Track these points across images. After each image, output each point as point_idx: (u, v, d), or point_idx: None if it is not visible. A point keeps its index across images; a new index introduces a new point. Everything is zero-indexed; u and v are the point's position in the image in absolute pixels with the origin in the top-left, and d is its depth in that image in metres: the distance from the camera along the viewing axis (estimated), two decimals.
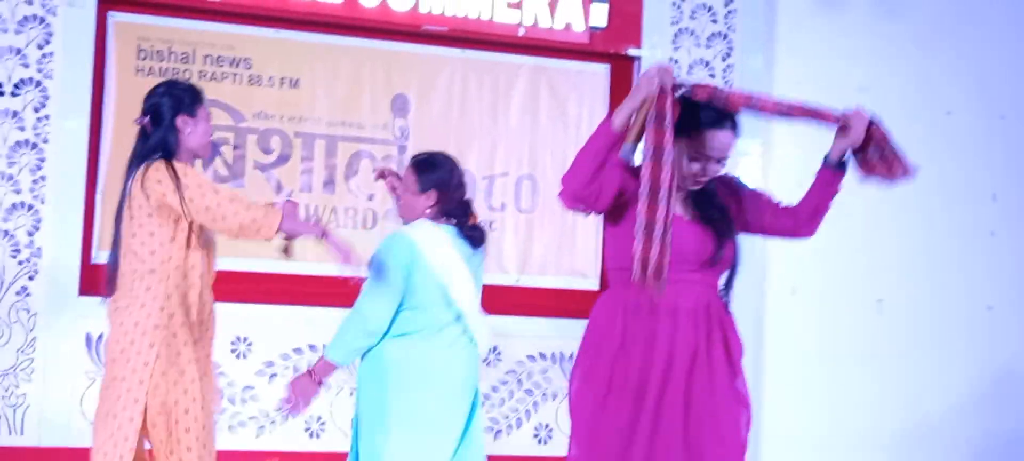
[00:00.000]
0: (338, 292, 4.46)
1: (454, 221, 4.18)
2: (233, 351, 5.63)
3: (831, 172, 3.43)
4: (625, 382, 3.35)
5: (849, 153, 3.42)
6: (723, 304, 3.46)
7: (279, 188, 5.81)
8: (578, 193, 3.29)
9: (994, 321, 6.62)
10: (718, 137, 3.35)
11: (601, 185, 3.27)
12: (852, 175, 3.48)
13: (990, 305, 6.60)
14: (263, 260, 5.65)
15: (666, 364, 3.33)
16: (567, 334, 6.03)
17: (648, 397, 3.33)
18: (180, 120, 3.99)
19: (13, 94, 5.43)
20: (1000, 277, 6.64)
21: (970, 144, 6.64)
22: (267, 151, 5.82)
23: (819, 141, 5.99)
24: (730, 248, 3.43)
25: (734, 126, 3.39)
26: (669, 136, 3.21)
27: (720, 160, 3.38)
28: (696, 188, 3.42)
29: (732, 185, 3.55)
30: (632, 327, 3.36)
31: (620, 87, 6.25)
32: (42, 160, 5.46)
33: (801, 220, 3.51)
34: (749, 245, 3.66)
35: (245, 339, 5.66)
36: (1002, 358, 6.64)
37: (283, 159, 5.84)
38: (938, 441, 6.47)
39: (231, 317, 5.52)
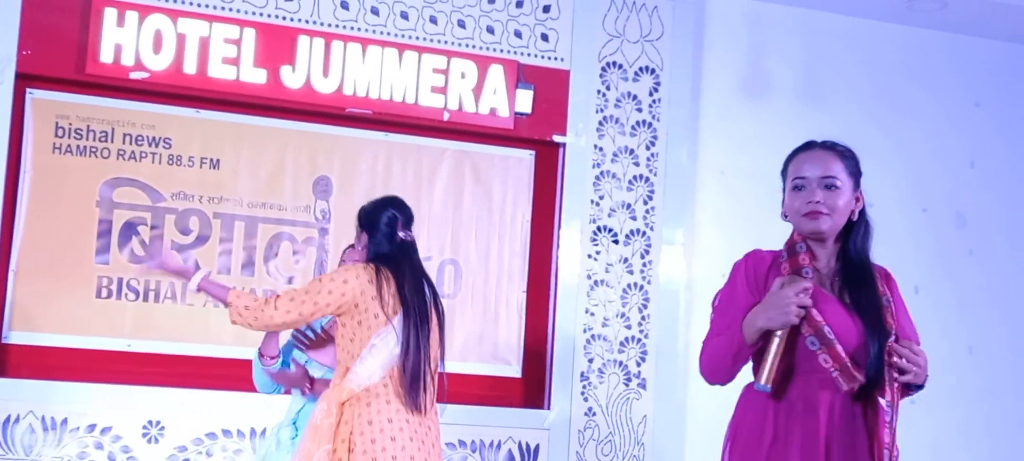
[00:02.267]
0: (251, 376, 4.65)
1: None
2: (144, 435, 5.68)
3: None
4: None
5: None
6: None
7: (196, 269, 5.88)
8: (724, 384, 3.38)
9: (917, 414, 6.79)
10: (802, 158, 3.37)
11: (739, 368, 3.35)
12: None
13: (912, 399, 6.78)
14: (177, 342, 5.73)
15: None
16: (489, 422, 6.17)
17: None
18: None
19: None
20: None
21: (892, 235, 6.85)
22: (185, 232, 5.93)
23: (743, 229, 6.22)
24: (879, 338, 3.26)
25: (826, 145, 3.39)
26: (820, 316, 3.21)
27: (820, 183, 3.31)
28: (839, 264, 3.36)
29: (888, 283, 3.45)
30: (787, 423, 3.28)
31: (545, 173, 6.44)
32: None
33: None
34: None
35: (157, 423, 5.71)
36: (923, 452, 6.83)
37: (202, 240, 5.95)
38: None
39: (143, 400, 5.62)
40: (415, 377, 4.31)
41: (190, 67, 5.88)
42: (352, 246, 4.73)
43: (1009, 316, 7.16)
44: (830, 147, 3.40)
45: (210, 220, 5.99)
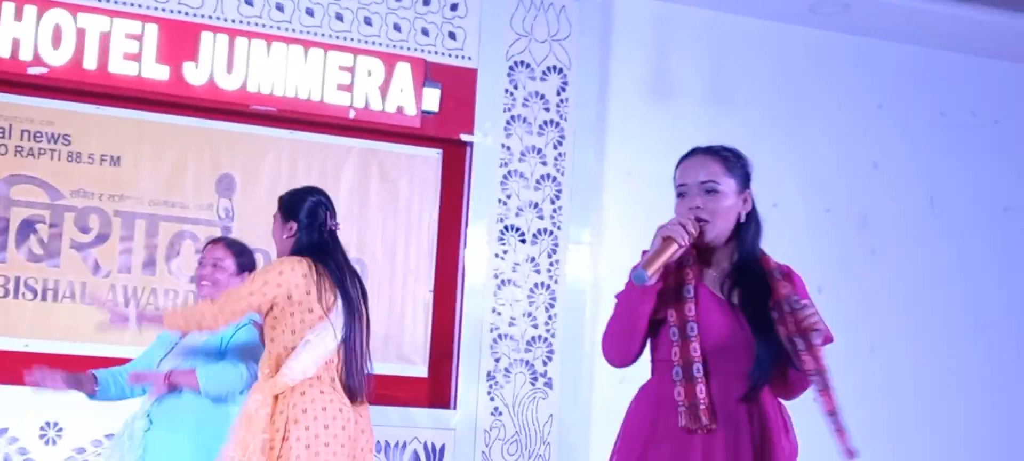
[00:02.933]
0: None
1: None
2: (42, 437, 5.62)
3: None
4: None
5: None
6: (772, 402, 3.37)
7: (96, 268, 5.86)
8: (624, 365, 3.39)
9: (817, 412, 6.92)
10: (685, 165, 3.40)
11: (643, 344, 3.38)
12: None
13: (815, 397, 6.90)
14: (74, 343, 5.67)
15: None
16: (394, 422, 6.18)
17: None
18: None
19: None
20: None
21: (796, 236, 7.00)
22: (85, 230, 5.88)
23: (649, 230, 6.28)
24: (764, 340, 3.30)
25: (708, 150, 3.41)
26: (693, 310, 3.29)
27: (699, 188, 3.34)
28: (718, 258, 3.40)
29: (791, 280, 3.42)
30: (667, 421, 3.31)
31: (452, 172, 6.47)
32: None
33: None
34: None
35: (55, 424, 5.65)
36: (826, 451, 6.94)
37: (101, 238, 5.89)
38: None
39: (41, 402, 5.54)
40: (355, 368, 4.44)
41: (90, 63, 5.83)
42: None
43: (910, 315, 7.32)
44: (712, 152, 3.42)
45: (110, 218, 5.93)
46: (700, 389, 3.25)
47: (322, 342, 4.37)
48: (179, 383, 4.47)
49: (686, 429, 3.27)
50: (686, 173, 3.39)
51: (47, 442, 5.67)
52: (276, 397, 4.34)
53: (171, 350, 4.68)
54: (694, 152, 3.44)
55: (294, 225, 4.55)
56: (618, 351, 3.39)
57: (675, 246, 3.22)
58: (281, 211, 4.61)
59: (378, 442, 6.15)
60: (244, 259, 4.80)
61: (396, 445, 6.20)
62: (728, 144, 3.50)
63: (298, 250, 4.51)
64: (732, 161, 3.41)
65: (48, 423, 5.66)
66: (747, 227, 3.41)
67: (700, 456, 3.28)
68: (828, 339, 3.38)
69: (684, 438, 3.29)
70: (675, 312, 3.31)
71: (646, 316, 3.32)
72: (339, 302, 4.45)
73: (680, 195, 3.39)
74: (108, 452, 4.69)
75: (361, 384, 4.48)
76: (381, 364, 6.28)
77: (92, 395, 4.74)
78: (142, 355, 4.84)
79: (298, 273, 4.37)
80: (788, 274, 3.45)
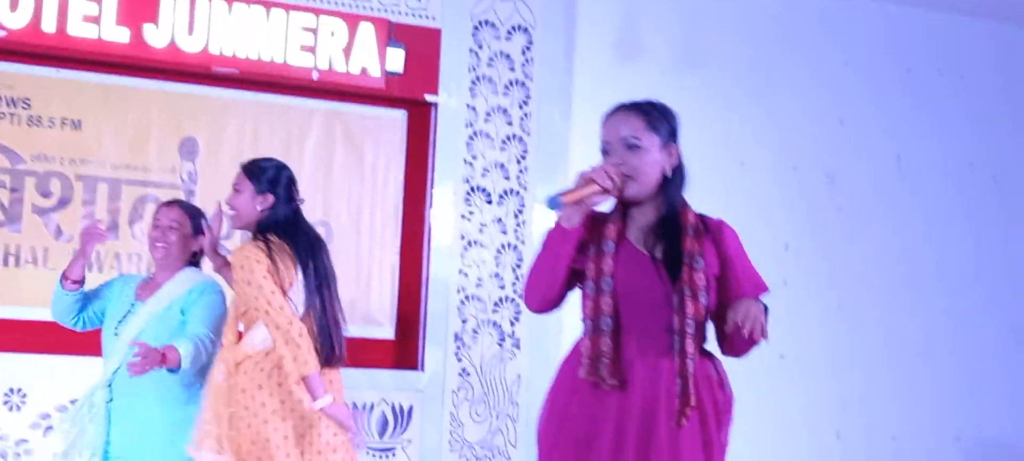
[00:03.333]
0: None
1: None
2: (6, 403, 5.61)
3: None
4: (568, 437, 3.44)
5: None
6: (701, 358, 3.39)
7: (58, 233, 5.84)
8: (543, 309, 3.45)
9: (786, 370, 6.99)
10: (608, 122, 3.42)
11: (563, 291, 3.43)
12: None
13: (782, 354, 6.97)
14: (39, 308, 5.64)
15: (615, 426, 3.36)
16: (362, 385, 6.18)
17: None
18: None
19: None
20: (792, 326, 7.00)
21: (763, 194, 7.05)
22: (46, 195, 5.85)
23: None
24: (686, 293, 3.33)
25: (630, 105, 3.42)
26: (610, 265, 3.35)
27: (620, 145, 3.36)
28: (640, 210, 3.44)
29: (720, 234, 3.48)
30: (583, 383, 3.39)
31: (417, 133, 6.47)
32: None
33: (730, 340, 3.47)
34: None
35: (19, 390, 5.63)
36: (793, 407, 7.00)
37: (63, 203, 5.87)
38: None
39: (4, 367, 5.54)
40: (325, 334, 4.54)
41: (49, 25, 5.78)
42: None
43: (877, 272, 7.37)
44: (634, 108, 3.43)
45: (72, 183, 5.91)
46: (605, 342, 3.32)
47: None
48: (169, 361, 4.41)
49: (594, 383, 3.34)
50: (609, 130, 3.42)
51: (11, 408, 5.66)
52: (237, 368, 4.41)
53: (127, 314, 4.66)
54: (617, 109, 3.45)
55: (272, 198, 4.58)
56: (537, 293, 3.45)
57: (596, 187, 3.29)
58: (254, 180, 4.59)
59: (346, 404, 6.16)
60: (197, 221, 4.82)
61: (364, 407, 6.22)
62: (655, 99, 3.51)
63: (272, 223, 4.54)
64: (655, 116, 3.42)
65: (12, 389, 5.65)
66: (672, 182, 3.43)
67: (615, 410, 3.35)
68: (760, 288, 3.40)
69: (604, 392, 3.36)
70: (593, 266, 3.37)
71: (566, 259, 3.37)
72: (299, 276, 4.52)
73: (604, 152, 3.43)
74: (67, 425, 4.64)
75: (338, 348, 4.59)
76: (348, 327, 6.32)
77: (77, 286, 4.70)
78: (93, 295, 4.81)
79: (265, 261, 4.41)
80: (719, 228, 3.48)
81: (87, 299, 4.75)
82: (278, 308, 4.33)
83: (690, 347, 3.29)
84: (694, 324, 3.30)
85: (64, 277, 4.69)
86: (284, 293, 4.44)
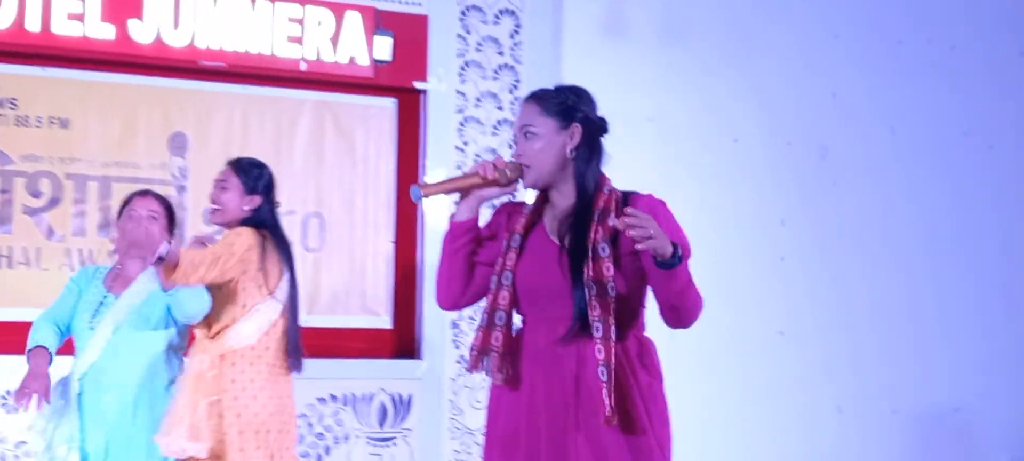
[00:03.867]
0: None
1: None
2: (3, 405, 5.60)
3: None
4: (496, 437, 3.48)
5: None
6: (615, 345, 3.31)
7: (50, 233, 5.84)
8: (451, 306, 3.55)
9: (785, 346, 7.00)
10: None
11: (465, 286, 3.49)
12: None
13: (781, 330, 6.98)
14: (29, 309, 5.61)
15: (528, 422, 3.37)
16: (360, 375, 6.20)
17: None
18: None
19: None
20: (790, 302, 7.03)
21: (757, 170, 7.05)
22: (36, 195, 5.84)
23: (605, 170, 6.29)
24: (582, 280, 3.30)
25: (529, 95, 3.49)
26: (512, 259, 3.38)
27: (520, 134, 3.42)
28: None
29: (654, 206, 3.40)
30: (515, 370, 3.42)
31: (408, 121, 6.48)
32: None
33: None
34: None
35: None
36: (793, 383, 7.01)
37: (54, 202, 5.87)
38: None
39: (2, 369, 5.52)
40: (296, 339, 4.70)
41: (33, 24, 5.76)
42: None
43: (874, 245, 7.37)
44: (531, 96, 3.49)
45: (62, 182, 5.90)
46: (495, 336, 3.36)
47: (267, 315, 4.60)
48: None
49: (491, 374, 3.39)
50: (516, 123, 3.48)
51: (9, 410, 5.64)
52: (221, 360, 4.56)
53: (100, 306, 4.62)
54: (523, 101, 3.51)
55: (259, 199, 4.71)
56: (440, 290, 3.54)
57: (477, 179, 3.39)
58: (243, 178, 4.71)
59: (345, 395, 6.18)
60: (172, 213, 4.84)
61: (363, 397, 6.22)
62: (565, 84, 3.56)
63: (256, 223, 4.66)
64: (548, 100, 3.44)
65: (8, 391, 5.63)
66: (577, 161, 3.42)
67: (526, 407, 3.36)
68: (662, 254, 3.19)
69: (518, 390, 3.38)
70: (500, 259, 3.41)
71: (459, 253, 3.46)
72: (285, 277, 4.69)
73: (514, 144, 3.49)
74: (41, 422, 4.62)
75: (300, 353, 4.75)
76: (345, 317, 6.35)
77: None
78: (56, 307, 4.73)
79: (256, 247, 4.56)
80: (642, 203, 3.39)
81: (61, 329, 4.68)
82: (216, 258, 4.41)
83: (598, 336, 3.26)
84: (600, 313, 3.27)
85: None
86: (271, 292, 4.61)
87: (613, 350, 3.25)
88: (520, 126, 3.43)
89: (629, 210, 3.11)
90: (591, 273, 3.27)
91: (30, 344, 4.58)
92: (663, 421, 3.40)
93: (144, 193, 4.81)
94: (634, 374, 3.34)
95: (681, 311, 3.34)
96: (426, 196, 3.34)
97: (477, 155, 6.49)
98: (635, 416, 3.31)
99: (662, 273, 3.19)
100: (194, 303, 4.52)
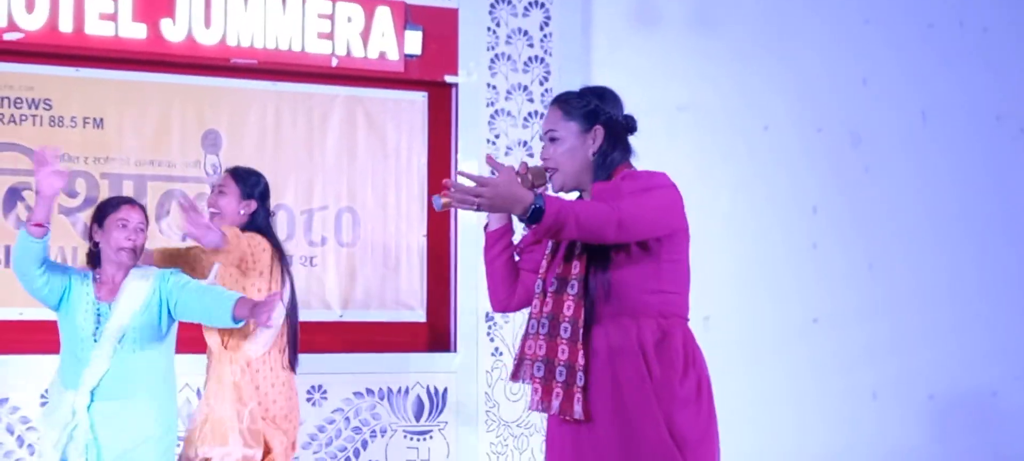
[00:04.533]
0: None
1: None
2: (43, 405, 5.66)
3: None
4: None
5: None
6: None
7: (86, 232, 5.85)
8: (499, 309, 3.71)
9: (819, 333, 7.01)
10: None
11: (506, 290, 3.65)
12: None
13: (815, 318, 6.99)
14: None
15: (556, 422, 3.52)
16: (394, 368, 6.23)
17: None
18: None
19: None
20: (824, 289, 7.04)
21: (789, 158, 7.06)
22: (72, 195, 5.90)
23: (640, 162, 6.31)
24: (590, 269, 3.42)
25: (553, 100, 3.57)
26: (543, 266, 3.49)
27: (545, 140, 3.51)
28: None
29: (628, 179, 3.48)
30: None
31: (439, 114, 6.52)
32: None
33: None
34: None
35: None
36: (828, 370, 7.02)
37: (89, 202, 5.91)
38: (768, 456, 6.79)
39: (38, 370, 5.62)
40: (296, 340, 4.93)
41: (66, 25, 5.82)
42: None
43: (907, 231, 7.37)
44: (556, 100, 3.57)
45: (97, 181, 5.96)
46: (528, 345, 3.46)
47: (278, 320, 4.78)
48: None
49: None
50: (542, 127, 3.59)
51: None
52: (248, 367, 4.80)
53: (99, 317, 4.56)
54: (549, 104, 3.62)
55: (255, 204, 4.91)
56: (489, 294, 3.71)
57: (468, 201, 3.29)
58: (241, 185, 4.92)
59: (380, 389, 6.22)
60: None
61: (399, 391, 6.26)
62: (591, 85, 3.64)
63: (253, 228, 4.87)
64: (571, 104, 3.52)
65: (48, 390, 5.69)
66: (594, 165, 3.50)
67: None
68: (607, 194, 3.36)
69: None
70: (542, 267, 3.53)
71: (496, 262, 3.63)
72: (287, 282, 4.90)
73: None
74: (44, 426, 4.64)
75: (297, 352, 4.98)
76: (379, 311, 6.40)
77: (43, 230, 4.45)
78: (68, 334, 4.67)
79: (268, 254, 4.81)
80: (621, 177, 3.45)
81: (50, 263, 4.58)
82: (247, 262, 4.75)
83: (564, 337, 3.36)
84: (571, 313, 3.36)
85: (29, 222, 4.47)
86: (280, 296, 4.70)
87: (579, 351, 3.34)
88: (545, 131, 3.52)
89: (450, 182, 3.22)
90: (558, 271, 3.42)
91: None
92: (679, 412, 3.36)
93: (132, 204, 4.69)
94: (647, 364, 3.35)
95: (588, 236, 3.27)
96: (445, 207, 3.36)
97: (508, 148, 6.52)
98: (641, 409, 3.33)
99: (535, 226, 3.20)
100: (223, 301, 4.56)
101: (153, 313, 4.59)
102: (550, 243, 3.52)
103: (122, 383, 4.51)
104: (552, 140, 3.49)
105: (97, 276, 4.64)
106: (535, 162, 3.66)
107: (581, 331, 3.34)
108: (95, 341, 4.54)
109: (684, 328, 3.45)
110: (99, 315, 4.58)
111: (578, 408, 3.32)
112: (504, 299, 3.64)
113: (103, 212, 4.66)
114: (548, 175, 3.50)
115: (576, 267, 3.38)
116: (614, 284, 3.36)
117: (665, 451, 3.29)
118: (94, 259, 4.64)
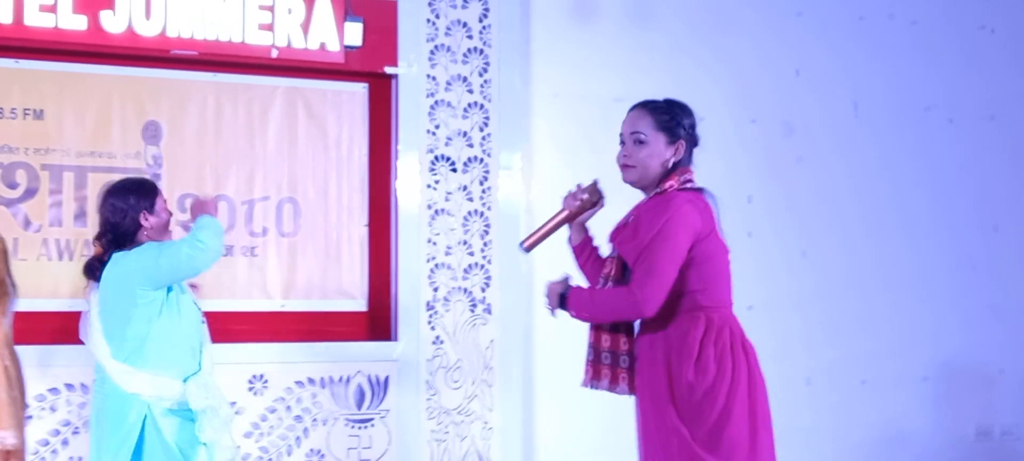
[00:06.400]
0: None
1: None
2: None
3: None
4: None
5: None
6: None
7: (27, 224, 5.91)
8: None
9: (755, 320, 7.13)
10: (626, 118, 4.03)
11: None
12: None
13: (750, 305, 7.11)
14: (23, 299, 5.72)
15: None
16: (337, 358, 6.31)
17: None
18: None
19: None
20: (758, 277, 7.17)
21: (724, 148, 7.18)
22: (12, 186, 5.93)
23: (578, 150, 6.42)
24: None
25: (642, 104, 4.02)
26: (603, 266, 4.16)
27: (630, 139, 3.97)
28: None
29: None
30: None
31: (379, 105, 6.60)
32: None
33: None
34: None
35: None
36: (763, 356, 7.15)
37: (30, 193, 5.95)
38: None
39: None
40: None
41: (5, 16, 5.83)
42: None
43: (839, 219, 7.57)
44: (644, 105, 4.00)
45: (37, 172, 5.99)
46: (593, 336, 4.09)
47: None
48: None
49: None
50: (625, 125, 4.01)
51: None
52: None
53: (200, 325, 5.00)
54: (634, 107, 4.02)
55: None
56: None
57: (565, 215, 4.11)
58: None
59: (322, 378, 6.30)
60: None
61: (340, 380, 6.34)
62: (673, 97, 4.08)
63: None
64: (661, 114, 3.98)
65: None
66: (670, 172, 4.01)
67: None
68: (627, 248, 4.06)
69: None
70: None
71: (586, 266, 4.21)
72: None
73: (621, 143, 4.01)
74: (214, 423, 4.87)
75: None
76: (321, 301, 6.46)
77: None
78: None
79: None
80: (642, 208, 4.02)
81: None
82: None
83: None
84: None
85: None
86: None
87: (621, 337, 4.05)
88: (631, 131, 3.95)
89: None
90: (603, 270, 4.12)
91: None
92: (693, 410, 3.92)
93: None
94: (667, 361, 3.91)
95: (607, 320, 4.03)
96: (529, 249, 4.05)
97: (449, 138, 6.60)
98: (664, 400, 3.91)
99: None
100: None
101: (124, 292, 4.84)
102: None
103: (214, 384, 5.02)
104: (638, 142, 3.92)
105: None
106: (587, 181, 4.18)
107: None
108: (202, 349, 4.96)
109: (717, 316, 4.16)
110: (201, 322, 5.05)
111: (623, 386, 4.04)
112: None
113: (151, 194, 4.95)
114: (600, 191, 4.13)
115: (606, 265, 4.08)
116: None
117: (673, 434, 3.92)
118: (93, 272, 4.93)
